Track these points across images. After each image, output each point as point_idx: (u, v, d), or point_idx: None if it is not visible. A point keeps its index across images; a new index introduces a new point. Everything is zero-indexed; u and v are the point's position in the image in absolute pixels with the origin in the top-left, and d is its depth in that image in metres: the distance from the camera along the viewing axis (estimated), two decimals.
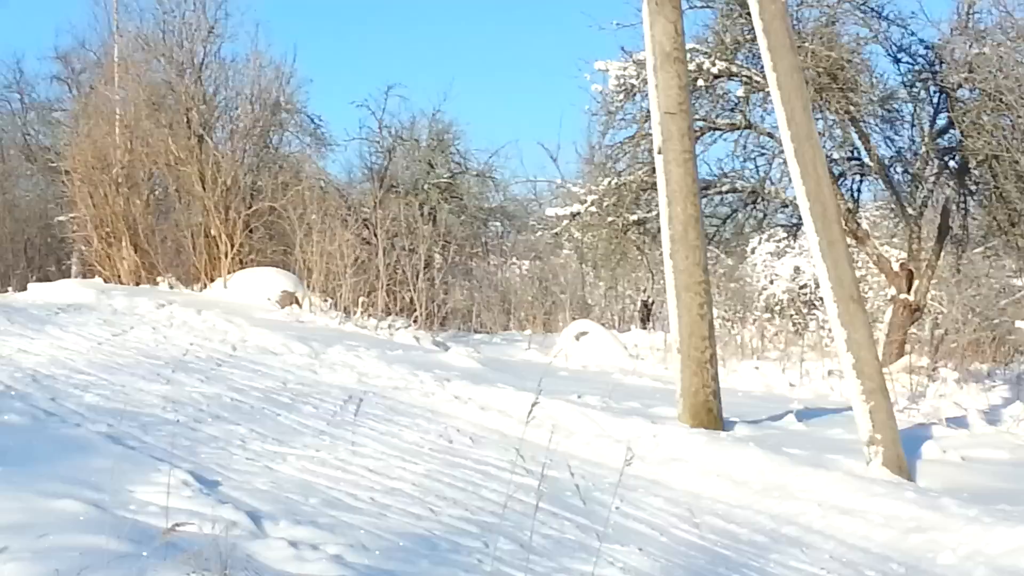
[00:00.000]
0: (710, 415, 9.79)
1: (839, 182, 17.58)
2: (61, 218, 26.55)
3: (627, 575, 5.61)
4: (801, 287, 27.01)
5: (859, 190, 18.47)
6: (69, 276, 22.18)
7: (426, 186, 31.03)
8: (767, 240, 26.47)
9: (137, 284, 19.57)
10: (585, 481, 7.27)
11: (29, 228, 29.88)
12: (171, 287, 19.14)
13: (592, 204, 20.25)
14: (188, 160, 20.49)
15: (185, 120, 21.03)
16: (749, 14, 9.06)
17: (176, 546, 4.43)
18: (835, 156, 17.55)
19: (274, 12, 55.42)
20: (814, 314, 24.87)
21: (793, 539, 6.72)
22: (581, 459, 8.24)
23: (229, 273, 19.17)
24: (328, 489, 6.49)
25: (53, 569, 4.03)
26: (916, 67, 17.15)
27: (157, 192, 22.44)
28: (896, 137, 17.73)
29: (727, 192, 19.35)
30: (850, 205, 17.86)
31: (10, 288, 20.86)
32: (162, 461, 6.21)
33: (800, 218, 8.73)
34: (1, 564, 4.08)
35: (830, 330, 9.62)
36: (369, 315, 17.16)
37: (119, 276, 20.19)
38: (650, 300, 23.25)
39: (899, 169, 17.87)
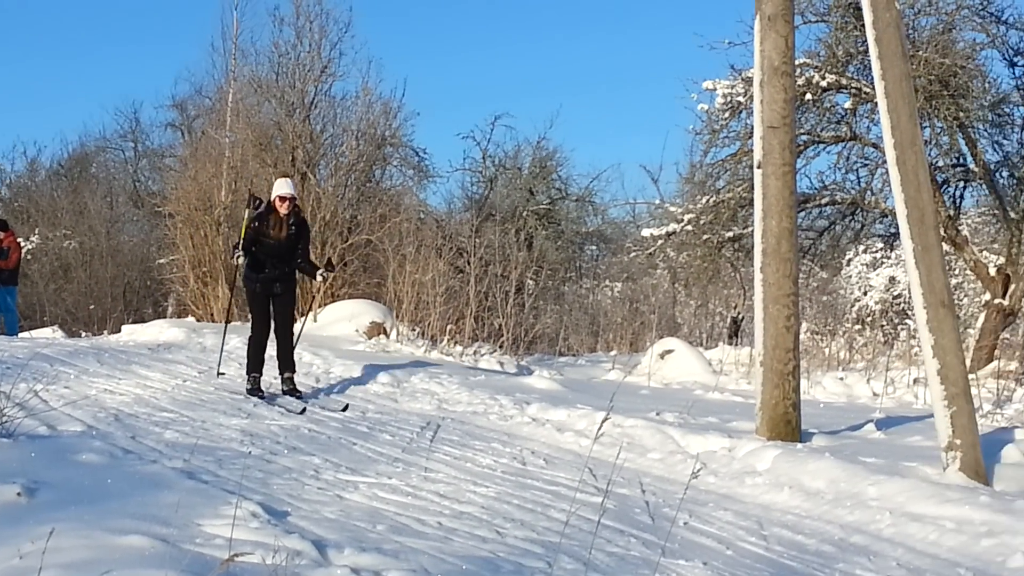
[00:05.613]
0: (788, 427, 9.74)
1: (941, 189, 17.74)
2: (162, 261, 27.19)
3: None
4: (895, 297, 26.74)
5: (961, 197, 18.75)
6: (165, 317, 22.57)
7: (525, 213, 31.26)
8: (863, 252, 26.36)
9: (229, 322, 19.87)
10: (656, 498, 7.29)
11: (130, 272, 30.61)
12: None
13: (689, 223, 20.39)
14: None
15: (291, 159, 21.44)
16: (864, 26, 9.04)
17: None
18: (939, 164, 17.72)
19: (387, 49, 56.37)
20: (905, 324, 24.60)
21: (861, 548, 6.64)
22: (654, 476, 8.24)
23: (320, 307, 19.42)
24: (396, 516, 6.54)
25: None
26: None
27: None
28: (1005, 141, 18.00)
29: (826, 204, 19.49)
30: (951, 212, 17.92)
31: (106, 331, 21.33)
32: (232, 494, 6.29)
33: (898, 227, 8.65)
34: None
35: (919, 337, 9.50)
36: (456, 342, 17.28)
37: (212, 315, 20.55)
38: (740, 316, 23.12)
39: (1005, 174, 17.94)
